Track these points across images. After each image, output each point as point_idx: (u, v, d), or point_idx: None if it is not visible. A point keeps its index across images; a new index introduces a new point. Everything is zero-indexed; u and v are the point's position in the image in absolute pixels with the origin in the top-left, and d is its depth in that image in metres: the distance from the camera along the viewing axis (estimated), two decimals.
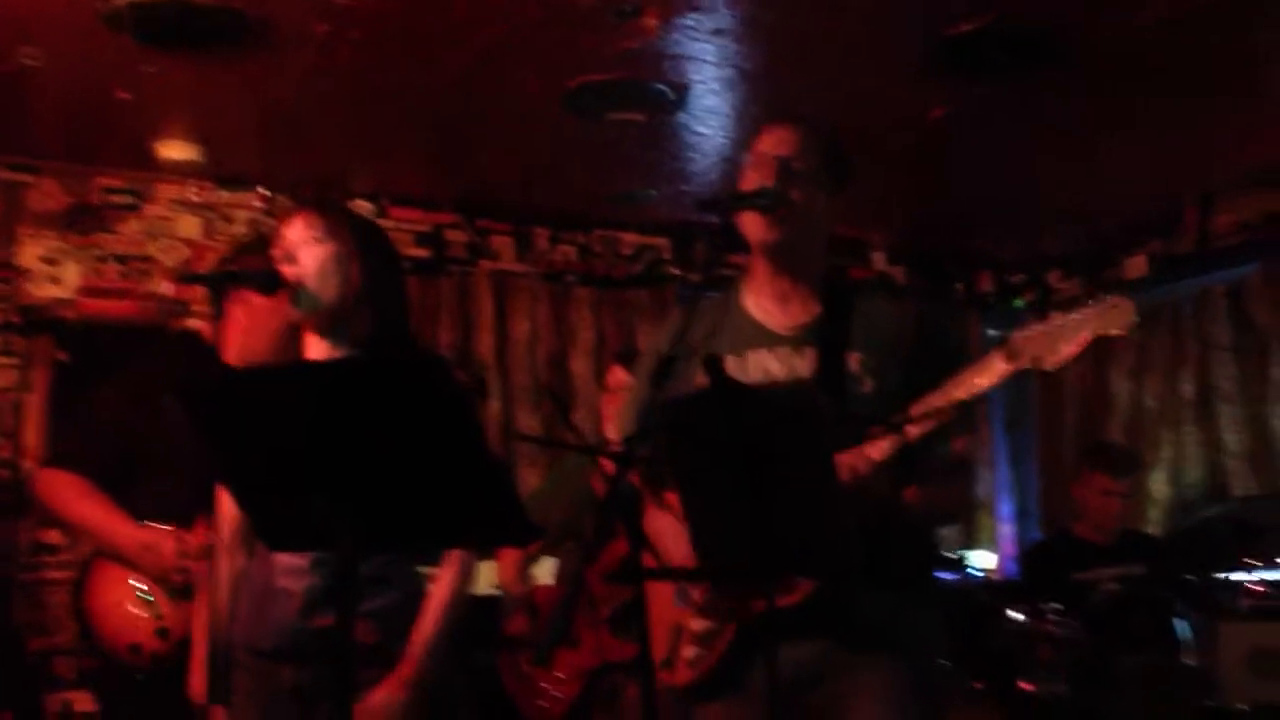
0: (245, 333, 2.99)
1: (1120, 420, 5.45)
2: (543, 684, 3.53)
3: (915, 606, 2.22)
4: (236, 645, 2.35)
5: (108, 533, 2.89)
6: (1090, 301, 1.98)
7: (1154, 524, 5.18)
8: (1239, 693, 3.27)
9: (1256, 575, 3.79)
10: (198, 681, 2.37)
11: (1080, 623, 3.56)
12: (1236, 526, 3.87)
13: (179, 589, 2.80)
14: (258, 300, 2.91)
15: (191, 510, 2.81)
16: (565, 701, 3.47)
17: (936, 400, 2.03)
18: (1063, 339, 1.98)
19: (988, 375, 2.02)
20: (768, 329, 2.30)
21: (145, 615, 2.82)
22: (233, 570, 2.40)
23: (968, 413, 2.21)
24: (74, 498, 2.92)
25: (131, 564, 2.85)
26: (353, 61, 3.69)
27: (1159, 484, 5.27)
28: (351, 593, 1.77)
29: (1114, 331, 1.96)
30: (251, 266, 2.93)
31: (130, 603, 2.84)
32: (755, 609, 2.12)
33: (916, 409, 2.03)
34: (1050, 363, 1.99)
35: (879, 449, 2.02)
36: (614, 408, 3.62)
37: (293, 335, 2.92)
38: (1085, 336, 1.96)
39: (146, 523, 2.85)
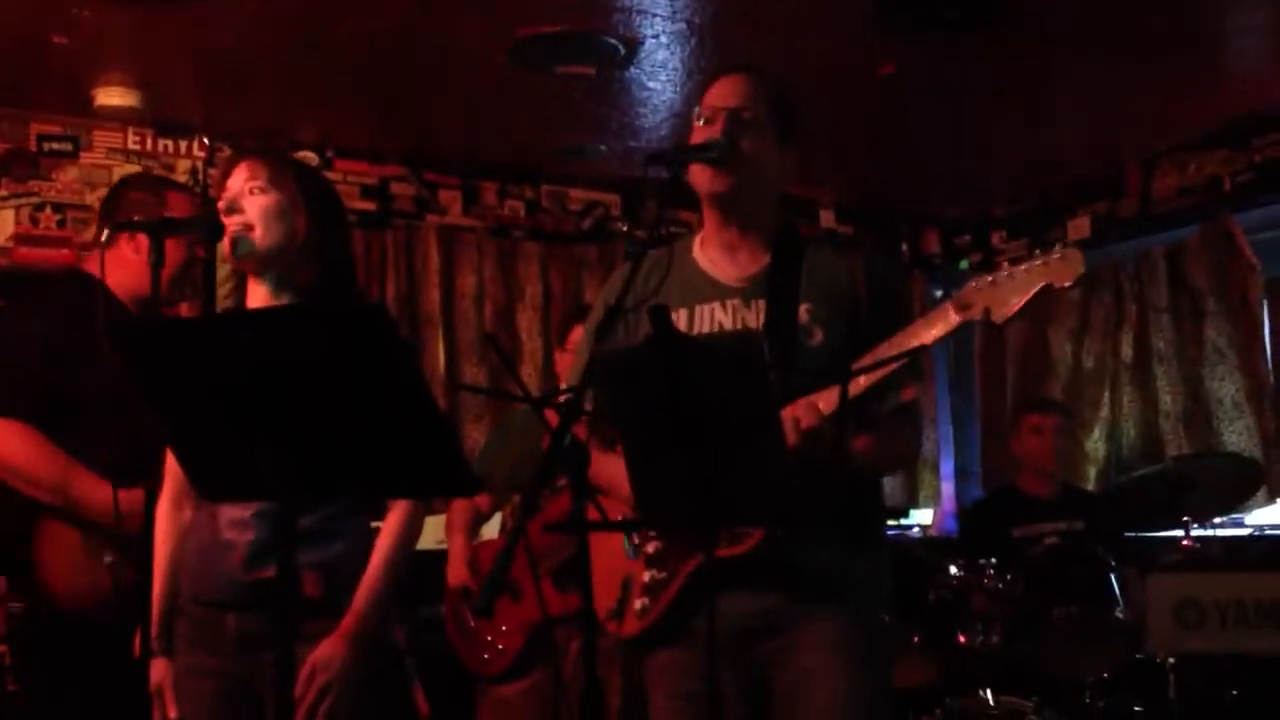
0: (137, 270, 2.89)
1: (1060, 380, 5.53)
2: (487, 637, 3.55)
3: (862, 558, 2.25)
4: (182, 595, 2.34)
5: (75, 492, 2.75)
6: (1039, 253, 2.01)
7: (1091, 483, 5.29)
8: (1165, 643, 3.35)
9: (1189, 532, 3.88)
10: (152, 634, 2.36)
11: (1017, 577, 3.63)
12: (1171, 485, 3.95)
13: (125, 542, 2.71)
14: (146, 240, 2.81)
15: (128, 462, 2.69)
16: (509, 654, 3.49)
17: (886, 351, 2.05)
18: (1013, 290, 2.01)
19: (939, 326, 2.05)
20: (718, 282, 2.30)
21: (101, 567, 2.76)
22: (180, 523, 2.39)
23: (915, 362, 2.24)
24: (22, 448, 2.76)
25: (95, 525, 2.74)
26: (296, 7, 3.63)
27: (1096, 443, 5.37)
28: (291, 544, 1.76)
29: (1062, 282, 1.98)
30: (137, 202, 2.87)
31: (90, 560, 2.77)
32: (702, 559, 2.14)
33: (866, 360, 2.05)
34: (1000, 314, 2.01)
35: (826, 400, 2.03)
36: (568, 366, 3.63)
37: (183, 275, 2.89)
38: (1034, 286, 1.99)
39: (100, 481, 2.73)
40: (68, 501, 2.78)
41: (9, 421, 2.78)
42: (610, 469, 2.19)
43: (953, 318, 2.04)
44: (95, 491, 2.72)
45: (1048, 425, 4.57)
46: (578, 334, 3.66)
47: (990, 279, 2.03)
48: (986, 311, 2.02)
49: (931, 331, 2.05)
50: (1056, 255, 1.99)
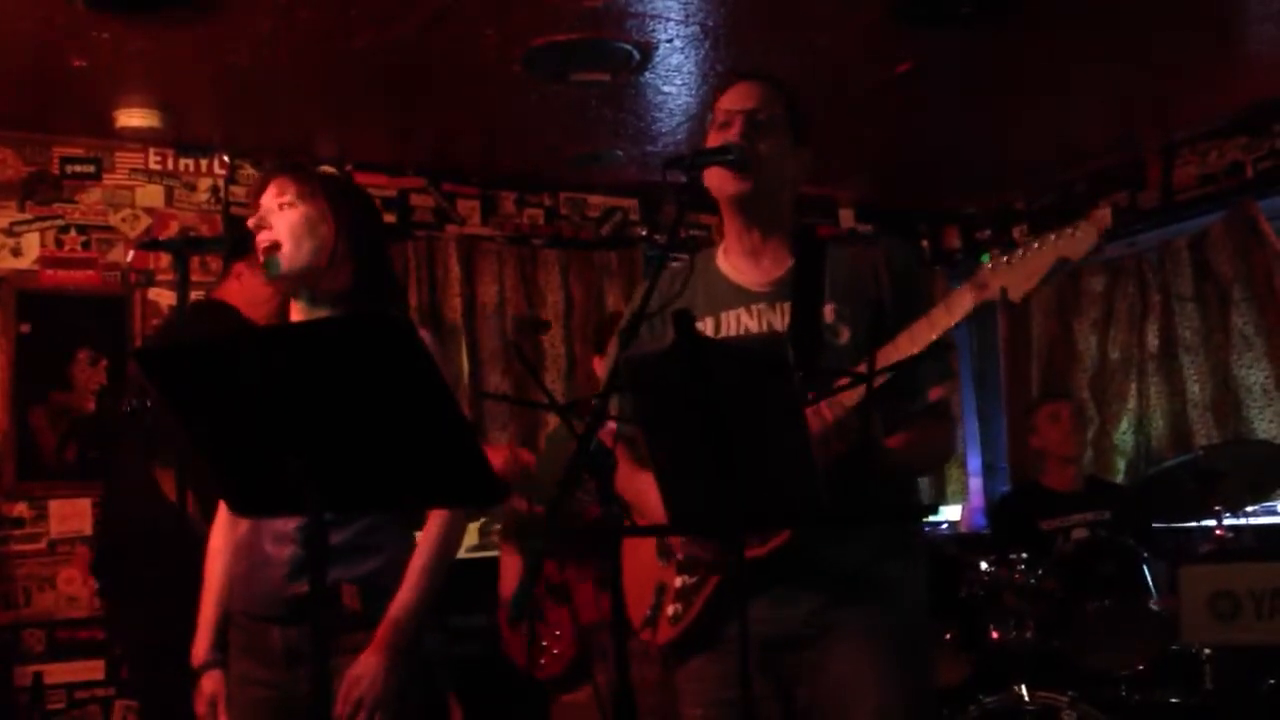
0: (266, 294, 3.02)
1: (1086, 373, 5.50)
2: (542, 642, 3.54)
3: (897, 558, 2.23)
4: (233, 609, 2.38)
5: None
6: (1054, 228, 1.99)
7: (1120, 475, 5.26)
8: (1200, 635, 3.31)
9: (1221, 522, 3.84)
10: (200, 646, 2.40)
11: (1048, 571, 3.60)
12: (1200, 475, 3.91)
13: None
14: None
15: None
16: (564, 658, 3.48)
17: (907, 340, 2.04)
18: (1028, 267, 1.98)
19: (956, 310, 2.02)
20: (742, 287, 2.30)
21: None
22: (234, 537, 2.42)
23: (944, 361, 2.23)
24: None
25: None
26: (312, 23, 3.65)
27: (1125, 435, 5.34)
28: (323, 559, 1.77)
29: (1078, 253, 1.96)
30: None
31: None
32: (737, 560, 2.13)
33: (887, 348, 2.03)
34: (1016, 292, 1.98)
35: (838, 405, 2.02)
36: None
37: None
38: (1049, 260, 1.97)
39: None
40: None
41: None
42: (641, 486, 2.18)
43: (969, 300, 2.01)
44: None
45: (1064, 412, 4.61)
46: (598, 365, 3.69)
47: (1006, 259, 2.01)
48: (1003, 290, 1.99)
49: (950, 317, 2.03)
50: (1070, 230, 1.97)
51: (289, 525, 2.27)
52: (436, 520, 2.34)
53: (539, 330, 5.07)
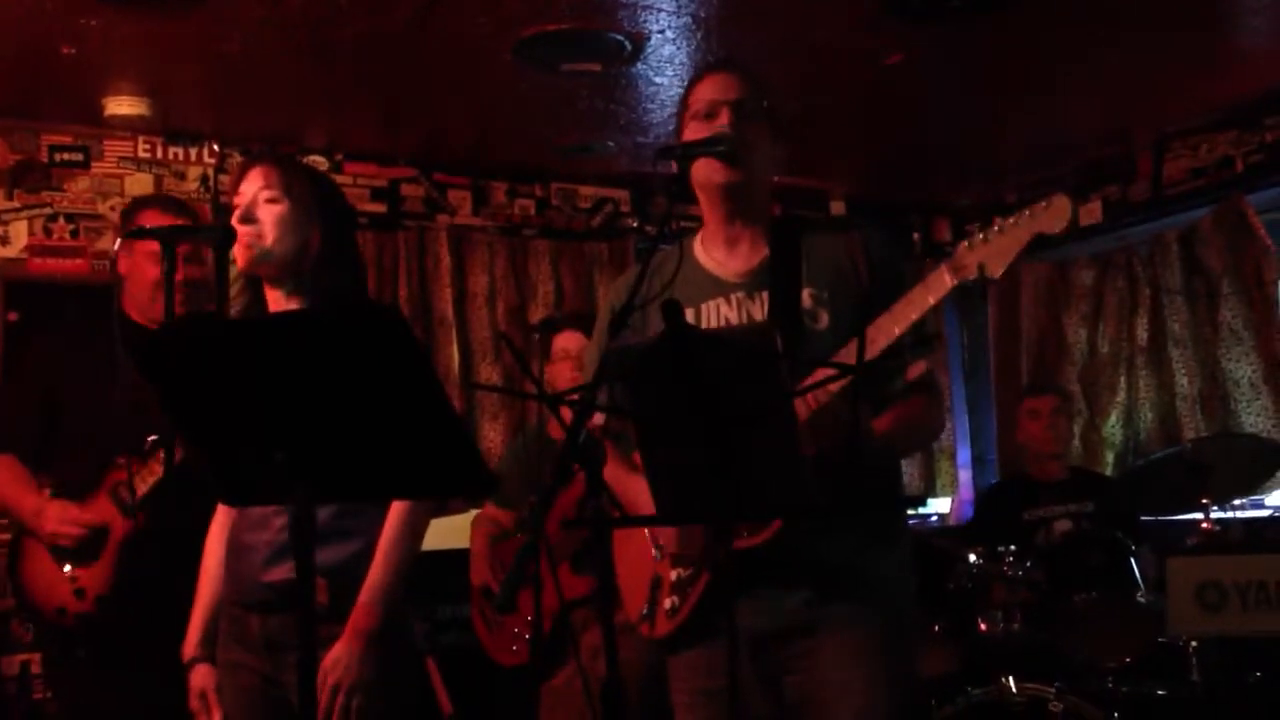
0: (153, 288, 3.03)
1: (1075, 366, 5.52)
2: (514, 629, 3.56)
3: (886, 551, 2.24)
4: (224, 598, 2.39)
5: (11, 503, 3.02)
6: (1029, 204, 2.00)
7: (1109, 467, 5.28)
8: (1187, 625, 3.32)
9: (1209, 515, 3.86)
10: (189, 641, 2.41)
11: (1036, 563, 3.62)
12: (1188, 467, 3.92)
13: (67, 551, 2.91)
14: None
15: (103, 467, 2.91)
16: (533, 646, 3.50)
17: (888, 323, 2.04)
18: (1005, 244, 2.00)
19: (935, 291, 2.04)
20: (720, 278, 2.31)
21: (63, 578, 2.91)
22: (227, 527, 2.43)
23: (921, 335, 2.23)
24: None
25: (31, 531, 2.96)
26: (303, 12, 3.63)
27: (1114, 428, 5.35)
28: (308, 547, 1.77)
29: (1054, 229, 1.98)
30: (152, 220, 2.97)
31: (50, 567, 2.93)
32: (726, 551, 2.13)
33: (869, 333, 2.03)
34: (994, 269, 2.01)
35: (835, 384, 2.03)
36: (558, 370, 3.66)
37: (195, 291, 2.99)
38: (1025, 236, 1.98)
39: (45, 489, 2.97)
40: (12, 516, 3.07)
41: None
42: (631, 487, 2.19)
43: (948, 280, 2.03)
44: (23, 502, 2.96)
45: (1044, 407, 4.60)
46: (564, 341, 3.68)
47: (981, 237, 2.03)
48: (981, 268, 2.01)
49: (929, 298, 2.04)
50: (1043, 205, 1.99)
51: (266, 512, 2.28)
52: (399, 507, 2.32)
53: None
